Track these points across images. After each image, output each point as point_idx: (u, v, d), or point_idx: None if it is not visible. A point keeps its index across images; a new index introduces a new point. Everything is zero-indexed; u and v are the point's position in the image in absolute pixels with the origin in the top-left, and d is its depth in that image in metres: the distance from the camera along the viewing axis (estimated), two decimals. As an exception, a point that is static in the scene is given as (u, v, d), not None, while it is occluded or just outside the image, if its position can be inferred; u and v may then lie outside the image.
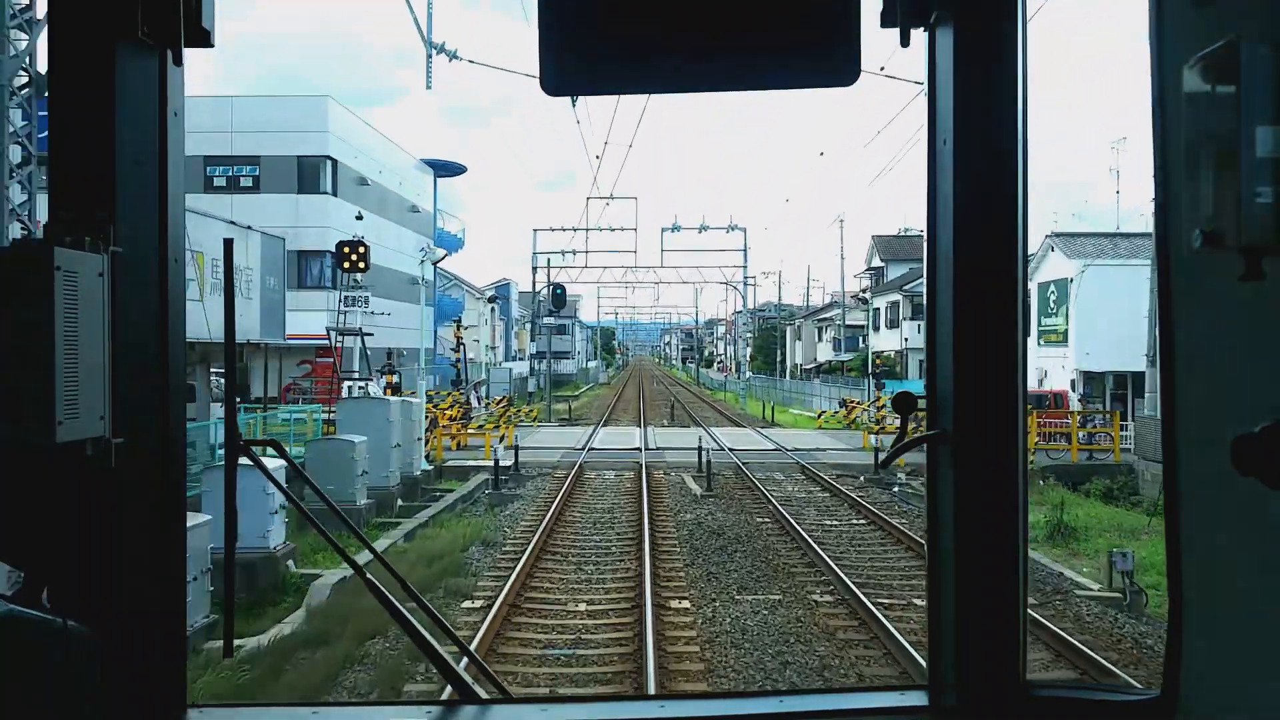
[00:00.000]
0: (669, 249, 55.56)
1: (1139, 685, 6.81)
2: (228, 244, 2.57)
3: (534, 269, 52.33)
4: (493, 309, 70.43)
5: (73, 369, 1.56)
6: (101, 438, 1.63)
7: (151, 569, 1.77)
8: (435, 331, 54.46)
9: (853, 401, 37.90)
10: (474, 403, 35.82)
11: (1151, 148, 1.51)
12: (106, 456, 1.63)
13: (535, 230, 53.09)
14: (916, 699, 1.94)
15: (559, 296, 41.59)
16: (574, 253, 53.49)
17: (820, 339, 77.73)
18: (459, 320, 49.37)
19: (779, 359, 75.35)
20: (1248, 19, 1.25)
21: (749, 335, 78.93)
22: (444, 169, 54.45)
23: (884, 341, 58.44)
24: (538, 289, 54.25)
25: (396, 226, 46.63)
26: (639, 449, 27.61)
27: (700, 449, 23.24)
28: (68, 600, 1.60)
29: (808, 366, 76.32)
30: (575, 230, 51.86)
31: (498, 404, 37.42)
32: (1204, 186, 1.24)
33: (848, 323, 65.94)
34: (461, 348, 36.70)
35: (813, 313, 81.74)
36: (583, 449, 27.59)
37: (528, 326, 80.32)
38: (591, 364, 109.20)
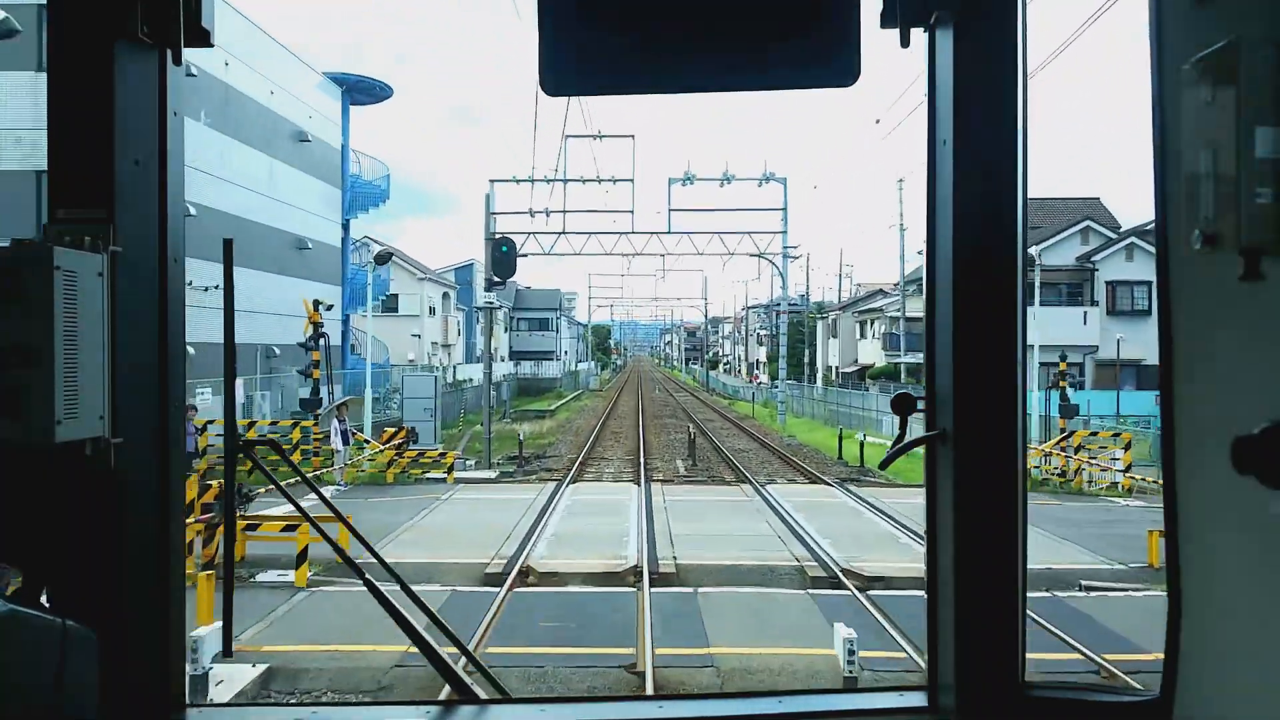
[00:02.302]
0: (678, 208, 38.43)
1: (1138, 686, 6.06)
2: (227, 244, 2.22)
3: (487, 238, 34.76)
4: (446, 295, 53.81)
5: (72, 369, 1.57)
6: (101, 438, 1.64)
7: (151, 569, 1.77)
8: (346, 319, 38.26)
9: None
10: (336, 442, 19.61)
11: (1151, 148, 1.51)
12: (106, 457, 1.65)
13: (492, 182, 35.45)
14: (916, 699, 1.92)
15: (504, 258, 25.45)
16: (546, 213, 36.63)
17: (863, 336, 62.30)
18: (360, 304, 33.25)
19: (808, 360, 59.54)
20: (1248, 19, 1.26)
21: (763, 330, 62.49)
22: (360, 89, 38.25)
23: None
24: (497, 269, 36.33)
25: (267, 158, 30.47)
26: (636, 567, 11.89)
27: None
28: (68, 600, 1.63)
29: (846, 370, 61.19)
30: (550, 181, 35.35)
31: (389, 439, 21.19)
32: (1204, 187, 1.24)
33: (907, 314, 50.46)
34: (322, 339, 20.48)
35: (852, 303, 66.01)
36: (507, 569, 11.70)
37: (501, 319, 63.68)
38: (583, 366, 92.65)
